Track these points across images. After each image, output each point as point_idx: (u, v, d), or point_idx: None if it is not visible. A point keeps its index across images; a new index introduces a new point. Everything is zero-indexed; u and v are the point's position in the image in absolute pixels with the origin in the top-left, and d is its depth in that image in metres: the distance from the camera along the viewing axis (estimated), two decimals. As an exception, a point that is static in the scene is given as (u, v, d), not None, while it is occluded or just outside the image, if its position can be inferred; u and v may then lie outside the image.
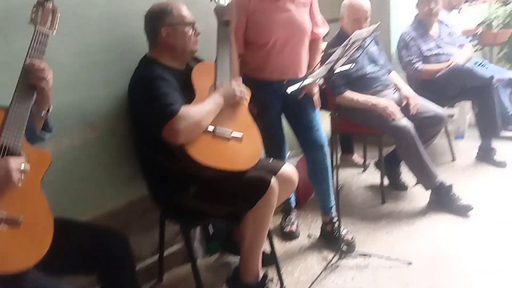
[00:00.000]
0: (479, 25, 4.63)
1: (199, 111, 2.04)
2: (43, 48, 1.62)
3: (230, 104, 2.21)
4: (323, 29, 2.82)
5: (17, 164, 1.50)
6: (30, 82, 1.57)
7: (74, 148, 2.13)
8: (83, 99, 2.15)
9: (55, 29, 1.68)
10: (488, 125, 3.67)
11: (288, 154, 2.94)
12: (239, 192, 2.10)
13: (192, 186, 2.13)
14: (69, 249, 1.62)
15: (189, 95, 2.13)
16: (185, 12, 2.19)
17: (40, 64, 1.59)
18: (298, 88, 2.32)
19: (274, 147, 2.77)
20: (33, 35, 1.61)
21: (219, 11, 2.33)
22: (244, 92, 2.27)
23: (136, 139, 2.25)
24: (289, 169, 2.33)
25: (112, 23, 2.24)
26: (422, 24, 3.74)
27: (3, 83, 1.77)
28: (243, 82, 2.53)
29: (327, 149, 2.76)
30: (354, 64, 2.85)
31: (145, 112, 2.06)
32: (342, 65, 2.58)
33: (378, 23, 2.72)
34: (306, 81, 2.40)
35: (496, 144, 3.73)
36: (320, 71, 2.45)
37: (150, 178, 2.26)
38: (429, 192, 3.10)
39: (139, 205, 2.40)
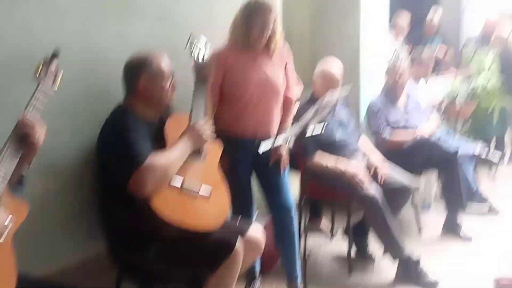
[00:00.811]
0: (444, 97, 4.80)
1: (165, 158, 2.00)
2: (41, 105, 1.64)
3: (198, 146, 2.17)
4: (297, 91, 2.86)
5: (1, 220, 1.47)
6: (22, 136, 1.57)
7: (32, 197, 1.96)
8: (46, 147, 2.01)
9: (55, 89, 1.71)
10: (453, 199, 3.71)
11: (255, 214, 2.87)
12: (202, 254, 2.03)
13: (153, 246, 2.04)
14: None
15: (161, 147, 2.08)
16: (164, 64, 2.18)
17: (35, 120, 1.59)
18: (270, 148, 2.31)
19: (241, 205, 2.70)
20: (35, 91, 1.64)
21: (197, 68, 2.33)
22: (211, 134, 2.23)
23: (100, 191, 2.15)
24: (257, 231, 2.27)
25: (87, 70, 2.22)
26: (390, 95, 3.85)
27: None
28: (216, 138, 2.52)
29: (294, 213, 2.71)
30: (324, 126, 2.88)
31: (112, 162, 2.02)
32: (314, 129, 2.60)
33: (351, 84, 2.78)
34: (278, 141, 2.40)
35: (461, 217, 3.75)
36: (291, 130, 2.46)
37: (110, 234, 2.16)
38: (396, 264, 3.05)
39: (94, 264, 2.26)
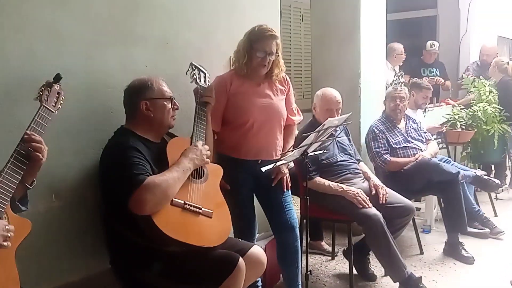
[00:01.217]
0: (444, 123, 4.87)
1: (165, 179, 2.03)
2: (43, 125, 1.73)
3: (197, 166, 2.20)
4: (297, 117, 2.92)
5: (2, 225, 1.51)
6: (27, 152, 1.65)
7: (36, 215, 2.05)
8: (50, 166, 2.09)
9: (58, 109, 1.81)
10: (455, 221, 3.72)
11: (257, 236, 2.90)
12: (205, 270, 2.05)
13: (156, 262, 2.06)
14: None
15: (162, 168, 2.12)
16: (165, 87, 2.26)
17: (39, 137, 1.68)
18: (271, 167, 2.36)
19: (244, 227, 2.74)
20: (38, 111, 1.73)
21: (199, 92, 2.42)
22: (208, 154, 2.27)
23: (104, 209, 2.19)
24: (258, 251, 2.30)
25: (90, 94, 2.29)
26: (390, 119, 3.93)
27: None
28: (218, 160, 2.57)
29: (297, 232, 2.73)
30: (325, 151, 2.94)
31: (113, 180, 2.05)
32: (314, 150, 2.65)
33: (350, 113, 2.84)
34: (280, 162, 2.45)
35: (463, 239, 3.75)
36: (293, 153, 2.50)
37: (114, 252, 2.18)
38: (397, 284, 3.05)
39: (98, 279, 2.28)
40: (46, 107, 1.76)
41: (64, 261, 2.20)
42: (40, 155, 1.68)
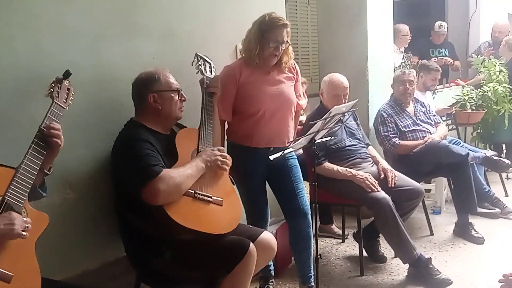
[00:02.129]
0: (453, 105, 4.84)
1: (180, 174, 2.07)
2: (56, 121, 1.79)
3: (212, 170, 2.24)
4: (304, 101, 2.93)
5: (20, 218, 1.58)
6: (47, 140, 1.73)
7: (52, 207, 2.11)
8: (64, 159, 2.14)
9: (69, 104, 1.88)
10: (464, 202, 3.73)
11: (269, 221, 2.94)
12: (217, 256, 2.09)
13: (169, 250, 2.11)
14: None
15: (171, 159, 2.17)
16: (171, 79, 2.29)
17: (58, 125, 1.78)
18: (280, 156, 2.39)
19: (256, 214, 2.77)
20: (50, 108, 1.79)
21: (205, 82, 2.45)
22: (226, 161, 2.30)
23: (116, 200, 2.25)
24: (268, 236, 2.34)
25: (98, 88, 2.32)
26: (398, 102, 3.92)
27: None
28: (230, 149, 2.60)
29: (310, 217, 2.77)
30: (333, 136, 2.96)
31: (126, 172, 2.09)
32: (322, 137, 2.67)
33: (357, 100, 2.85)
34: (288, 150, 2.48)
35: (473, 220, 3.76)
36: (301, 141, 2.53)
37: (128, 241, 2.24)
38: (407, 265, 3.09)
39: (113, 267, 2.35)
40: (57, 103, 1.82)
41: (81, 250, 2.26)
42: (59, 141, 1.76)
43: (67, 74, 1.91)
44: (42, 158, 1.72)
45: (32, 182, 1.67)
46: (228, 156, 2.33)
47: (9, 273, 1.56)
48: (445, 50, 5.99)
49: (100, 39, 2.31)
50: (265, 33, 2.57)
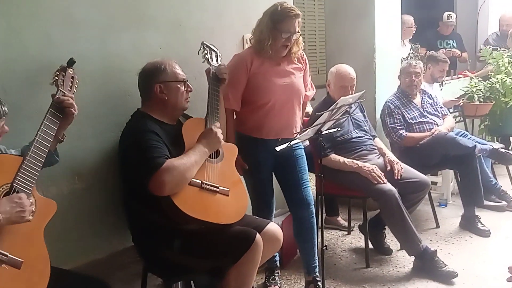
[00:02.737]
0: (461, 97, 4.82)
1: (183, 162, 2.08)
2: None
3: (214, 149, 2.26)
4: (311, 91, 2.93)
5: (27, 201, 1.61)
6: (62, 108, 1.82)
7: (61, 197, 2.14)
8: (72, 150, 2.18)
9: (74, 93, 1.92)
10: (471, 195, 3.72)
11: (274, 213, 2.96)
12: (223, 246, 2.11)
13: (177, 240, 2.13)
14: None
15: (179, 149, 2.19)
16: (178, 69, 2.29)
17: (70, 94, 1.88)
18: (286, 147, 2.39)
19: (262, 205, 2.78)
20: (55, 95, 1.84)
21: (211, 72, 2.44)
22: (222, 137, 2.31)
23: (124, 190, 2.27)
24: (274, 227, 2.35)
25: (106, 79, 2.34)
26: (405, 94, 3.90)
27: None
28: (238, 140, 2.60)
29: (313, 208, 2.78)
30: (340, 128, 2.95)
31: (133, 163, 2.11)
32: (329, 128, 2.67)
33: (363, 91, 2.85)
34: (294, 141, 2.48)
35: (479, 213, 3.76)
36: (307, 132, 2.53)
37: (135, 231, 2.26)
38: (413, 257, 3.10)
39: (121, 257, 2.38)
40: (62, 91, 1.85)
41: (89, 239, 2.29)
42: (72, 109, 1.84)
43: (71, 62, 1.93)
44: (56, 128, 1.78)
45: (39, 169, 1.70)
46: (220, 130, 2.31)
47: (19, 259, 1.59)
48: (453, 42, 5.94)
49: (108, 30, 2.32)
50: (277, 23, 2.55)
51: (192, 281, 2.42)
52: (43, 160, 1.72)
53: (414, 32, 5.36)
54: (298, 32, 2.61)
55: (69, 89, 1.90)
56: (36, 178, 1.69)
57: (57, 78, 1.88)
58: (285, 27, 2.55)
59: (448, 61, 4.58)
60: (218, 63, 2.51)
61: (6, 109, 1.66)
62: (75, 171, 2.23)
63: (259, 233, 2.17)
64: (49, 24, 2.10)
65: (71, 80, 1.92)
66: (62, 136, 1.90)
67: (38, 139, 1.72)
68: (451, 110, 4.63)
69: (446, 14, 5.93)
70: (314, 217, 2.80)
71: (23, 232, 1.62)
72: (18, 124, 1.94)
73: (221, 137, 2.29)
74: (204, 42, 2.51)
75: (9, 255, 1.57)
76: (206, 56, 2.48)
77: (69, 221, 2.17)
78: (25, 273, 1.59)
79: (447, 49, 5.69)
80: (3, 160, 1.69)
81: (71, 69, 1.94)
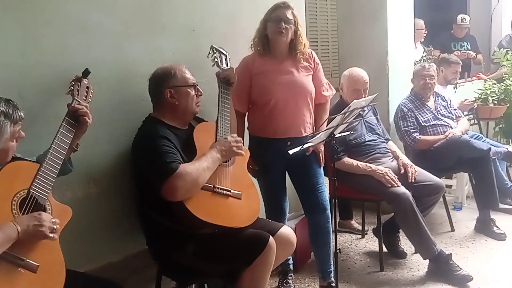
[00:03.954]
0: (475, 99, 4.78)
1: (196, 168, 2.09)
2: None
3: (228, 158, 2.26)
4: (329, 92, 2.91)
5: (48, 218, 1.64)
6: (77, 117, 1.86)
7: (76, 201, 2.17)
8: (87, 154, 2.21)
9: (89, 102, 1.96)
10: (486, 197, 3.69)
11: (287, 216, 2.96)
12: (237, 250, 2.12)
13: (190, 244, 2.14)
14: None
15: (190, 153, 2.20)
16: (188, 74, 2.31)
17: (85, 104, 1.93)
18: (299, 150, 2.39)
19: (275, 208, 2.79)
20: (71, 104, 1.88)
21: (221, 75, 2.47)
22: (241, 146, 2.32)
23: (137, 195, 2.29)
24: (288, 231, 2.35)
25: (121, 84, 2.37)
26: (419, 97, 3.88)
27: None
28: (249, 142, 2.61)
29: (329, 213, 2.78)
30: (353, 131, 2.95)
31: (146, 169, 2.13)
32: (341, 131, 2.67)
33: (376, 94, 2.84)
34: (306, 145, 2.48)
35: (494, 216, 3.72)
36: (320, 135, 2.53)
37: (150, 234, 2.28)
38: (427, 261, 3.08)
39: (135, 260, 2.40)
40: (78, 100, 1.89)
41: (103, 243, 2.31)
42: (87, 118, 1.88)
43: (86, 73, 1.98)
44: (71, 136, 1.83)
45: (55, 176, 1.73)
46: (240, 139, 2.34)
47: (35, 263, 1.61)
48: (467, 44, 5.90)
49: (123, 37, 2.35)
50: (269, 15, 2.65)
51: (206, 284, 2.44)
52: (59, 167, 1.75)
53: (425, 35, 5.33)
54: (295, 25, 2.65)
55: (84, 98, 1.95)
56: (52, 184, 1.72)
57: (72, 87, 1.92)
58: (275, 15, 2.63)
59: (461, 62, 4.55)
60: (227, 66, 2.53)
61: (22, 114, 1.68)
62: (90, 175, 2.26)
63: (272, 236, 2.17)
64: (65, 32, 2.14)
65: (86, 89, 1.97)
66: (76, 146, 1.94)
67: (54, 146, 1.75)
68: (465, 112, 4.60)
69: (460, 16, 5.89)
70: (330, 221, 2.79)
71: (41, 238, 1.64)
72: (34, 129, 1.98)
73: (238, 145, 2.29)
74: (213, 45, 2.53)
75: (26, 259, 1.60)
76: (216, 59, 2.50)
77: (84, 225, 2.19)
78: (41, 277, 1.62)
79: (461, 51, 5.66)
80: (21, 166, 1.71)
81: (86, 79, 1.98)
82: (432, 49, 5.23)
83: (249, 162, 2.57)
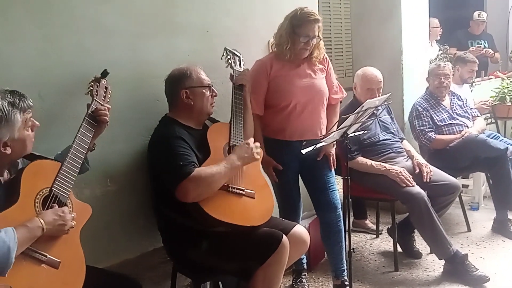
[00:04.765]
0: (492, 99, 4.72)
1: (212, 173, 2.10)
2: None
3: (247, 164, 2.28)
4: (340, 95, 2.92)
5: (69, 216, 1.69)
6: (97, 118, 1.91)
7: (94, 199, 2.21)
8: (105, 153, 2.25)
9: (108, 102, 2.00)
10: (503, 197, 3.64)
11: (301, 215, 2.97)
12: (251, 248, 2.14)
13: (205, 241, 2.17)
14: None
15: (204, 154, 2.24)
16: (203, 75, 2.34)
17: (106, 104, 1.97)
18: (311, 149, 2.40)
19: (289, 208, 2.80)
20: (91, 105, 1.93)
21: (235, 76, 2.49)
22: (260, 152, 2.34)
23: (153, 194, 2.32)
24: (301, 230, 2.36)
25: (137, 85, 2.40)
26: (434, 96, 3.86)
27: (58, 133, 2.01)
28: (263, 143, 2.63)
29: (340, 212, 2.78)
30: (366, 130, 2.94)
31: (161, 169, 2.16)
32: (355, 131, 2.67)
33: (390, 93, 2.84)
34: (320, 144, 2.49)
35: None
36: (333, 135, 2.54)
37: (165, 232, 2.32)
38: (443, 261, 3.06)
39: (151, 257, 2.44)
40: (97, 101, 1.94)
41: (120, 240, 2.35)
42: (106, 118, 1.93)
43: (104, 74, 2.03)
44: (91, 136, 1.87)
45: (76, 174, 1.78)
46: (258, 144, 2.35)
47: (57, 259, 1.66)
48: (484, 42, 5.83)
49: (138, 38, 2.39)
50: (296, 28, 2.59)
51: (220, 282, 2.46)
52: (80, 166, 1.80)
53: (440, 33, 5.28)
54: (318, 36, 2.63)
55: (103, 99, 1.99)
56: (73, 183, 1.76)
57: (91, 88, 1.97)
58: (304, 31, 2.58)
59: (477, 61, 4.50)
60: (241, 67, 2.55)
61: (30, 102, 1.70)
62: (108, 174, 2.30)
63: (286, 235, 2.19)
64: (82, 33, 2.18)
65: (105, 90, 2.01)
66: (93, 145, 1.98)
67: (75, 146, 1.80)
68: (482, 113, 4.54)
69: (476, 12, 5.83)
70: (341, 220, 2.80)
71: (61, 234, 1.69)
72: (54, 129, 2.03)
73: (258, 151, 2.31)
74: (227, 47, 2.55)
75: (48, 256, 1.64)
76: (230, 61, 2.53)
77: (101, 222, 2.23)
78: (62, 273, 1.67)
79: (477, 46, 5.59)
80: (43, 165, 1.76)
81: (105, 80, 2.03)
82: (448, 48, 5.19)
83: (271, 163, 2.61)
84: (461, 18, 6.16)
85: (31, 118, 1.72)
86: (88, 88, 1.97)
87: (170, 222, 2.25)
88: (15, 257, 1.49)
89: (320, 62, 2.77)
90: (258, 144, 2.34)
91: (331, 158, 2.80)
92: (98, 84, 1.99)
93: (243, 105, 2.46)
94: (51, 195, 1.69)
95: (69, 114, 2.09)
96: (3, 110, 1.60)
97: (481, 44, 5.81)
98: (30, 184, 1.67)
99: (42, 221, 1.60)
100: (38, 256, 1.62)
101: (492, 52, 5.68)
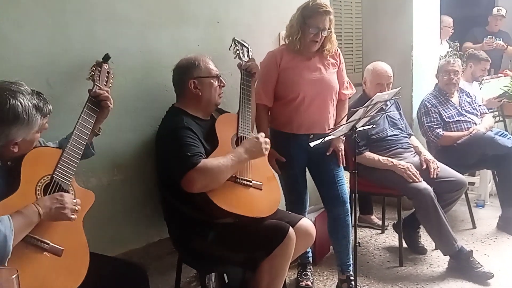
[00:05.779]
0: (500, 96, 4.69)
1: (218, 165, 2.10)
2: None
3: (255, 158, 2.27)
4: (349, 91, 2.90)
5: (70, 199, 1.66)
6: (99, 102, 1.89)
7: (100, 188, 2.21)
8: (112, 142, 2.25)
9: (110, 87, 1.97)
10: (509, 195, 3.63)
11: (307, 209, 2.97)
12: (257, 239, 2.14)
13: (211, 232, 2.17)
14: (97, 279, 1.71)
15: (212, 144, 2.23)
16: (211, 65, 2.33)
17: (106, 88, 1.94)
18: (320, 142, 2.39)
19: (295, 200, 2.80)
20: (93, 89, 1.91)
21: (243, 66, 2.48)
22: (268, 147, 2.33)
23: (160, 184, 2.32)
24: (307, 223, 2.36)
25: (146, 74, 2.40)
26: (443, 92, 3.83)
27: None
28: (271, 135, 2.63)
29: (348, 206, 2.78)
30: (375, 125, 2.93)
31: (167, 159, 2.16)
32: (363, 125, 2.66)
33: (400, 87, 2.82)
34: (328, 137, 2.48)
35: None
36: (342, 128, 2.53)
37: (172, 223, 2.32)
38: (447, 257, 3.06)
39: (157, 247, 2.44)
40: (97, 85, 1.92)
41: (127, 230, 2.36)
42: (108, 102, 1.90)
43: (106, 58, 2.01)
44: (93, 121, 1.85)
45: (78, 161, 1.76)
46: (268, 140, 2.34)
47: (60, 247, 1.66)
48: (500, 40, 5.77)
49: (148, 27, 2.38)
50: (306, 18, 2.58)
51: (225, 273, 2.47)
52: (81, 153, 1.78)
53: (451, 33, 5.26)
54: (329, 29, 2.62)
55: (105, 83, 1.97)
56: (75, 169, 1.75)
57: (93, 73, 1.95)
58: (314, 22, 2.57)
59: (490, 60, 4.46)
60: (249, 58, 2.53)
61: (51, 107, 1.71)
62: (115, 163, 2.30)
63: (292, 227, 2.18)
64: (93, 21, 2.18)
65: (107, 74, 1.99)
66: (98, 130, 1.97)
67: (76, 132, 1.78)
68: (491, 109, 4.52)
69: (496, 7, 5.79)
70: (349, 215, 2.79)
71: (63, 221, 1.67)
72: (62, 116, 2.02)
73: (267, 147, 2.29)
74: (235, 38, 2.54)
75: (51, 243, 1.63)
76: (238, 52, 2.51)
77: (108, 211, 2.24)
78: (66, 260, 1.66)
79: (489, 37, 5.54)
80: (43, 152, 1.75)
81: (107, 64, 2.01)
82: (458, 45, 5.15)
83: (275, 155, 2.59)
84: (475, 16, 6.11)
85: (46, 123, 1.72)
86: (89, 73, 1.96)
87: (177, 212, 2.25)
88: (14, 245, 1.47)
89: (332, 56, 2.75)
90: (268, 140, 2.32)
91: (340, 154, 2.79)
92: (99, 69, 1.97)
93: (251, 95, 2.45)
94: (52, 182, 1.68)
95: (77, 101, 2.07)
96: (28, 112, 1.61)
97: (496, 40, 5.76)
98: (31, 171, 1.66)
99: (38, 206, 1.58)
100: (40, 244, 1.61)
101: (506, 45, 5.62)
